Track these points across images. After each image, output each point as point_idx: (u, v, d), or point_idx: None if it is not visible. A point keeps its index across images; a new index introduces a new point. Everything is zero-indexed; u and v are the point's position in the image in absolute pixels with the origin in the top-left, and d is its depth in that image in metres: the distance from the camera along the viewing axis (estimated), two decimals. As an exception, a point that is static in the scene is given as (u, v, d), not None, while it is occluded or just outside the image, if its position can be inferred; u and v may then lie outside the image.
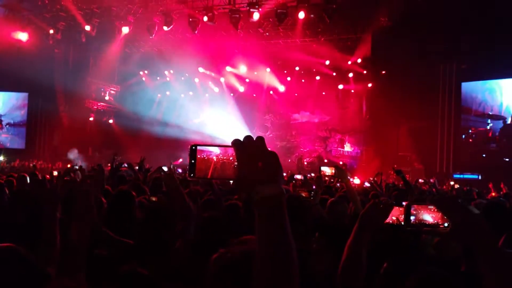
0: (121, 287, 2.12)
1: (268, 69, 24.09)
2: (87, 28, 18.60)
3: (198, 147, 1.48)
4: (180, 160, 23.84)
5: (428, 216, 1.67)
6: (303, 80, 24.82)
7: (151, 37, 19.22)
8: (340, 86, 24.04)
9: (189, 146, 1.48)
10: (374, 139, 21.12)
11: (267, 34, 20.06)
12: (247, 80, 25.23)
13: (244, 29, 18.96)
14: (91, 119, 24.78)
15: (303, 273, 1.19)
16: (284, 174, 5.33)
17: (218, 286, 1.40)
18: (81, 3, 17.92)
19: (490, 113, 18.81)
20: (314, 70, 23.62)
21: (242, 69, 24.08)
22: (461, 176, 17.60)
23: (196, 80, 26.10)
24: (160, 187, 6.70)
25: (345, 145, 24.94)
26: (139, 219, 3.80)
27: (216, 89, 26.14)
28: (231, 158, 1.43)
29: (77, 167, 9.59)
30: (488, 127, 18.81)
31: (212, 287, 1.42)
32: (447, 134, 19.34)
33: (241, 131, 24.99)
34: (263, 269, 1.12)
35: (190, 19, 17.31)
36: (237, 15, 16.56)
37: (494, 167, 16.61)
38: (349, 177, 4.57)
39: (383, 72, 20.20)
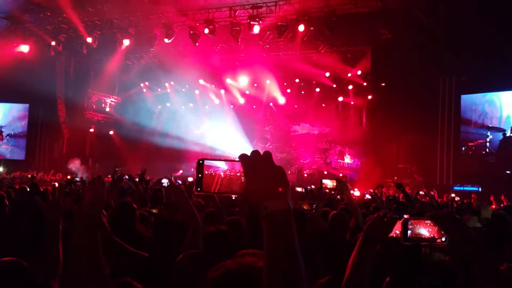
0: None
1: (268, 81, 24.18)
2: (89, 40, 18.74)
3: (206, 161, 1.48)
4: (180, 171, 23.82)
5: (425, 230, 1.68)
6: (302, 92, 24.92)
7: (152, 49, 19.36)
8: (340, 98, 24.13)
9: (196, 160, 1.48)
10: (374, 151, 21.11)
11: (267, 46, 20.18)
12: (247, 92, 25.31)
13: (244, 42, 19.09)
14: (91, 130, 24.80)
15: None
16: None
17: None
18: (83, 15, 18.05)
19: (490, 125, 18.84)
20: (314, 82, 23.72)
21: (242, 81, 24.18)
22: (461, 188, 17.58)
23: (197, 92, 26.18)
24: (161, 199, 6.69)
25: (345, 157, 24.93)
26: (143, 233, 3.80)
27: (216, 101, 26.23)
28: (238, 174, 1.43)
29: (78, 179, 9.58)
30: (488, 139, 18.83)
31: None
32: (447, 146, 19.35)
33: (241, 143, 25.03)
34: (271, 283, 1.12)
35: (191, 32, 17.45)
36: (238, 28, 16.71)
37: (494, 179, 16.60)
38: (350, 190, 4.58)
39: (383, 84, 20.28)
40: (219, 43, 20.20)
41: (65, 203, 2.55)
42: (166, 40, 18.07)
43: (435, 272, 2.68)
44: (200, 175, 1.45)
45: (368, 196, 9.61)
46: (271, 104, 26.11)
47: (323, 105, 25.27)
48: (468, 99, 19.45)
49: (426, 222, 1.67)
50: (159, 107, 26.78)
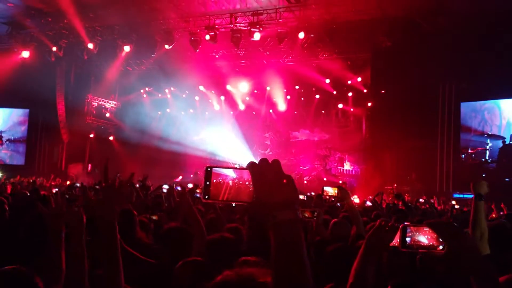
0: None
1: (268, 88, 24.24)
2: (90, 46, 18.80)
3: (214, 169, 1.48)
4: (180, 177, 23.84)
5: (424, 238, 1.69)
6: (302, 98, 24.95)
7: (152, 55, 19.43)
8: (340, 105, 24.18)
9: (205, 168, 1.48)
10: (374, 158, 21.09)
11: (268, 53, 20.24)
12: (247, 98, 25.37)
13: (244, 48, 19.15)
14: (91, 135, 24.79)
15: None
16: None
17: None
18: (84, 21, 18.11)
19: (490, 133, 18.86)
20: (314, 88, 23.77)
21: (242, 87, 24.24)
22: (461, 195, 17.51)
23: (197, 98, 26.24)
24: (161, 205, 6.69)
25: (344, 164, 24.94)
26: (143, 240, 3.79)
27: (217, 107, 26.28)
28: (247, 183, 1.43)
29: (78, 184, 9.57)
30: (488, 147, 18.84)
31: None
32: (446, 154, 19.33)
33: (241, 149, 25.05)
34: None
35: (192, 38, 17.52)
36: (238, 35, 16.78)
37: (494, 187, 16.51)
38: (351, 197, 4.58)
39: (383, 91, 20.32)
40: (220, 49, 20.27)
41: (71, 210, 2.52)
42: (166, 46, 18.14)
43: (432, 279, 2.67)
44: (208, 183, 1.45)
45: (369, 203, 9.61)
46: (270, 110, 26.17)
47: (323, 111, 25.34)
48: (468, 107, 19.47)
49: (425, 229, 1.67)
50: (159, 112, 26.81)
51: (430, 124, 19.36)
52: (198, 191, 7.02)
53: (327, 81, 22.11)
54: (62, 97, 22.99)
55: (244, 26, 16.94)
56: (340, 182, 21.25)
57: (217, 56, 21.23)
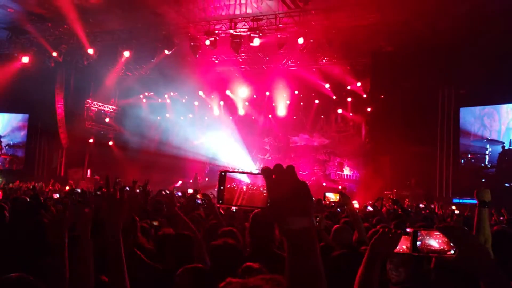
0: None
1: (267, 93, 24.27)
2: (90, 51, 18.83)
3: (228, 174, 1.47)
4: (180, 182, 23.81)
5: (435, 242, 1.68)
6: (301, 103, 24.96)
7: (152, 60, 19.46)
8: (339, 110, 24.22)
9: (219, 173, 1.47)
10: (373, 163, 21.10)
11: (267, 58, 20.28)
12: (246, 103, 25.40)
13: (244, 53, 19.19)
14: (91, 140, 24.77)
15: None
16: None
17: None
18: (84, 26, 18.14)
19: (489, 138, 18.89)
20: (313, 94, 23.80)
21: (242, 92, 24.27)
22: (461, 201, 17.50)
23: (196, 103, 26.28)
24: (161, 210, 6.67)
25: (344, 169, 24.93)
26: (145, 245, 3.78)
27: (216, 112, 26.29)
28: (261, 189, 1.42)
29: (79, 190, 9.56)
30: (487, 152, 18.86)
31: None
32: (446, 159, 19.34)
33: (240, 154, 25.06)
34: None
35: (192, 43, 17.56)
36: (238, 40, 16.81)
37: (494, 192, 16.51)
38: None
39: (382, 96, 20.35)
40: (219, 55, 20.32)
41: (82, 212, 2.52)
42: (166, 52, 18.17)
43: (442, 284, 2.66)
44: (221, 187, 1.44)
45: (370, 208, 9.61)
46: (270, 116, 26.20)
47: (322, 116, 25.39)
48: (467, 112, 19.51)
49: (436, 234, 1.67)
50: (159, 117, 26.83)
51: (429, 129, 19.38)
52: (198, 196, 7.01)
53: (327, 86, 22.14)
54: (61, 102, 22.99)
55: (243, 32, 16.99)
56: (340, 187, 21.25)
57: (216, 61, 21.27)
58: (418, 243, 1.72)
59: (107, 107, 25.82)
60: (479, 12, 14.14)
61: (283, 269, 2.98)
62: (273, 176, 1.18)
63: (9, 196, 9.32)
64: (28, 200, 6.76)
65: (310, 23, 16.20)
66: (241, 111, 25.84)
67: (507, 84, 16.57)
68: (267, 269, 2.61)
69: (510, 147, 18.26)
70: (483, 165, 19.04)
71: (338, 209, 8.41)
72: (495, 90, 17.23)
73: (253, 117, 26.38)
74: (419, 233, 1.72)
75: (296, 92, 24.15)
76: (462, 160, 19.46)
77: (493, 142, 18.75)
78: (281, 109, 25.20)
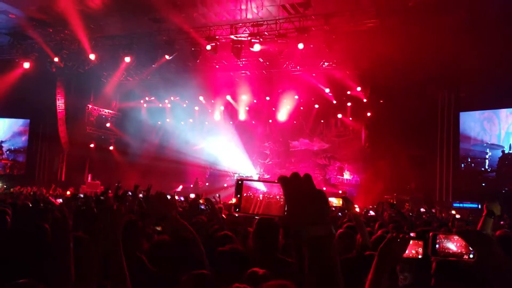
0: None
1: (267, 98, 24.30)
2: (92, 56, 18.88)
3: (245, 182, 1.49)
4: (181, 187, 23.81)
5: (453, 245, 1.70)
6: (301, 108, 24.97)
7: (153, 65, 19.51)
8: (339, 115, 24.25)
9: (236, 181, 1.49)
10: (373, 167, 21.15)
11: (267, 63, 20.32)
12: (246, 108, 25.43)
13: (245, 59, 19.24)
14: (91, 145, 24.78)
15: None
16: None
17: None
18: (85, 31, 18.19)
19: (489, 142, 18.93)
20: (313, 98, 23.81)
21: (242, 97, 24.31)
22: (461, 205, 17.53)
23: (196, 108, 26.32)
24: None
25: (344, 173, 24.94)
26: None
27: (216, 117, 26.31)
28: (277, 197, 1.45)
29: (81, 195, 9.57)
30: (487, 156, 18.90)
31: None
32: (446, 163, 19.37)
33: (240, 159, 25.07)
34: None
35: (193, 48, 17.62)
36: (239, 45, 16.87)
37: (494, 196, 16.53)
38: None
39: (382, 101, 20.41)
40: (220, 60, 20.37)
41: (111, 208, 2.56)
42: (167, 57, 18.22)
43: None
44: (239, 196, 1.46)
45: (372, 213, 9.62)
46: (270, 120, 26.22)
47: (322, 121, 25.43)
48: (467, 117, 19.56)
49: (454, 238, 1.69)
50: (159, 122, 26.86)
51: (429, 134, 19.44)
52: (201, 201, 7.02)
53: (327, 90, 22.17)
54: (62, 107, 23.03)
55: (244, 37, 17.05)
56: (340, 192, 21.26)
57: (217, 66, 21.32)
58: (436, 246, 1.75)
59: (108, 111, 25.86)
60: (479, 17, 14.20)
61: (287, 274, 3.01)
62: (290, 185, 1.20)
63: (14, 201, 9.34)
64: (31, 205, 6.77)
65: (310, 28, 16.25)
66: (242, 116, 25.85)
67: (507, 89, 16.63)
68: (271, 274, 2.64)
69: (510, 151, 18.31)
70: (483, 169, 19.08)
71: (339, 214, 8.42)
72: (494, 95, 17.28)
73: (253, 122, 26.40)
74: (437, 237, 1.75)
75: (296, 97, 24.16)
76: (462, 165, 19.50)
77: (493, 146, 18.80)
78: (281, 114, 25.22)
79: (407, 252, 1.98)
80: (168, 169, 23.82)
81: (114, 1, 15.92)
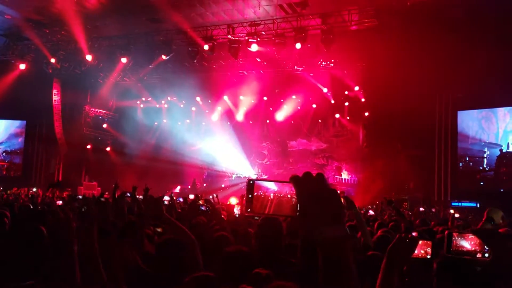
0: None
1: (265, 98, 24.28)
2: (88, 57, 18.81)
3: (256, 182, 1.46)
4: (179, 187, 23.77)
5: (467, 243, 1.69)
6: (299, 108, 24.95)
7: (150, 66, 19.47)
8: (337, 115, 24.26)
9: (247, 181, 1.46)
10: (371, 167, 21.14)
11: (265, 63, 20.31)
12: (244, 108, 25.40)
13: (242, 58, 19.22)
14: (88, 146, 24.71)
15: None
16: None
17: None
18: (82, 32, 18.13)
19: (487, 141, 18.97)
20: (310, 98, 23.80)
21: (240, 97, 24.29)
22: (459, 204, 17.56)
23: (193, 108, 26.27)
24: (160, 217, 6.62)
25: (342, 173, 24.96)
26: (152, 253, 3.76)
27: (214, 117, 26.28)
28: (288, 196, 1.42)
29: (80, 197, 9.52)
30: (485, 155, 18.93)
31: None
32: (444, 162, 19.40)
33: (238, 159, 25.05)
34: None
35: (190, 49, 17.58)
36: (236, 45, 16.85)
37: (492, 195, 16.62)
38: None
39: (380, 101, 20.40)
40: (217, 59, 20.34)
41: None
42: (164, 57, 18.19)
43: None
44: (250, 196, 1.43)
45: (371, 212, 9.60)
46: (267, 120, 26.21)
47: (320, 120, 25.42)
48: (465, 115, 19.60)
49: (470, 236, 1.68)
50: (156, 123, 26.80)
51: (427, 133, 19.44)
52: (201, 202, 6.99)
53: (325, 90, 22.17)
54: (59, 108, 22.93)
55: (241, 37, 17.03)
56: (339, 191, 21.20)
57: (214, 66, 21.29)
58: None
59: (105, 112, 25.79)
60: (476, 17, 14.22)
61: (290, 275, 2.97)
62: (303, 184, 1.16)
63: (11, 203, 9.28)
64: (32, 207, 6.73)
65: (307, 28, 16.25)
66: (239, 116, 25.83)
67: (504, 87, 16.66)
68: (275, 275, 2.61)
69: (508, 150, 18.35)
70: (481, 168, 19.12)
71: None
72: (492, 94, 17.31)
73: (250, 122, 26.37)
74: (453, 236, 1.74)
75: (294, 96, 24.16)
76: (460, 164, 19.52)
77: (491, 145, 18.83)
78: (279, 114, 25.22)
79: (416, 252, 1.95)
80: (166, 170, 23.77)
81: (111, 2, 15.87)
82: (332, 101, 23.14)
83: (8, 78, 20.21)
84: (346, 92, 21.91)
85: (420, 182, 19.49)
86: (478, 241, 1.63)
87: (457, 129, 19.42)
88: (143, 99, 25.87)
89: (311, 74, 21.12)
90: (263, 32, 16.75)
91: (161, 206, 3.44)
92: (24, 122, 24.50)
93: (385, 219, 8.14)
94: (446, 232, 1.74)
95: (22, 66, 19.66)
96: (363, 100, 21.69)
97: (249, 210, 1.42)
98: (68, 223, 2.59)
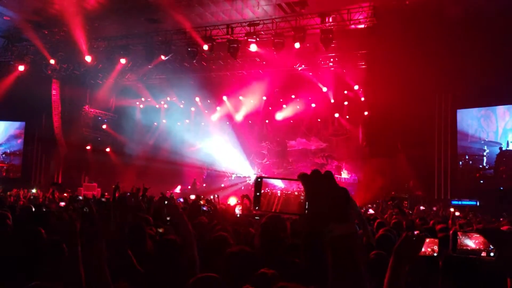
0: None
1: (264, 97, 24.28)
2: (87, 58, 18.79)
3: (264, 179, 1.45)
4: (179, 187, 23.76)
5: (471, 242, 1.70)
6: (298, 107, 24.94)
7: (149, 66, 19.46)
8: (336, 114, 24.25)
9: (255, 178, 1.46)
10: (371, 166, 21.13)
11: (264, 62, 20.31)
12: (243, 108, 25.39)
13: (241, 58, 19.22)
14: (88, 147, 24.69)
15: None
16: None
17: None
18: (81, 33, 18.12)
19: (486, 140, 18.98)
20: (309, 97, 23.80)
21: (239, 97, 24.29)
22: (459, 202, 17.58)
23: (193, 108, 26.26)
24: (162, 218, 6.63)
25: (342, 172, 24.95)
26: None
27: (213, 117, 26.27)
28: (296, 193, 1.42)
29: (80, 197, 9.53)
30: (485, 153, 18.95)
31: None
32: (444, 161, 19.41)
33: (238, 159, 25.05)
34: None
35: (189, 49, 17.58)
36: (235, 45, 16.85)
37: (492, 193, 16.65)
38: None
39: (379, 99, 20.38)
40: (217, 60, 20.35)
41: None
42: (163, 57, 18.18)
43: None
44: (258, 193, 1.42)
45: (371, 211, 9.60)
46: (266, 121, 26.21)
47: (319, 120, 25.41)
48: (464, 114, 19.61)
49: (474, 235, 1.68)
50: (155, 123, 26.80)
51: (427, 132, 19.44)
52: (202, 202, 6.99)
53: (324, 89, 22.17)
54: (58, 109, 22.91)
55: (240, 37, 17.03)
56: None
57: (213, 66, 21.30)
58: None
59: (104, 113, 25.77)
60: (475, 15, 14.24)
61: (294, 274, 2.97)
62: (311, 182, 1.16)
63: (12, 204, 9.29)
64: (34, 209, 6.72)
65: (306, 27, 16.25)
66: (238, 116, 25.82)
67: (504, 86, 16.68)
68: (278, 274, 2.61)
69: (508, 148, 18.36)
70: (481, 166, 19.14)
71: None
72: (491, 92, 17.33)
73: (250, 122, 26.36)
74: (458, 235, 1.74)
75: (293, 96, 24.16)
76: (460, 162, 19.54)
77: (490, 143, 18.85)
78: (278, 114, 25.22)
79: (424, 249, 1.96)
80: (166, 170, 23.75)
81: (110, 2, 15.86)
82: (332, 101, 23.12)
83: (7, 80, 20.17)
84: (346, 92, 21.91)
85: (420, 181, 19.50)
86: (482, 240, 1.63)
87: (457, 127, 19.43)
88: (143, 99, 25.86)
89: (310, 74, 21.11)
90: (262, 32, 16.76)
91: (178, 209, 3.43)
92: (23, 123, 24.46)
93: (385, 219, 8.14)
94: (451, 231, 1.75)
95: (21, 67, 19.63)
96: (362, 99, 21.68)
97: (257, 207, 1.42)
98: (72, 225, 2.60)
